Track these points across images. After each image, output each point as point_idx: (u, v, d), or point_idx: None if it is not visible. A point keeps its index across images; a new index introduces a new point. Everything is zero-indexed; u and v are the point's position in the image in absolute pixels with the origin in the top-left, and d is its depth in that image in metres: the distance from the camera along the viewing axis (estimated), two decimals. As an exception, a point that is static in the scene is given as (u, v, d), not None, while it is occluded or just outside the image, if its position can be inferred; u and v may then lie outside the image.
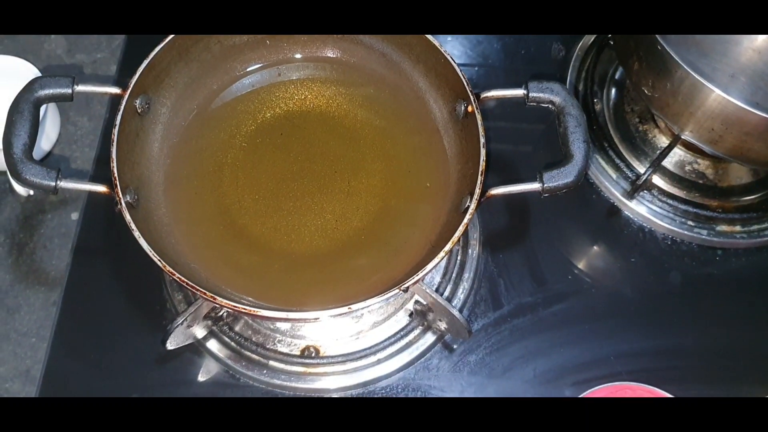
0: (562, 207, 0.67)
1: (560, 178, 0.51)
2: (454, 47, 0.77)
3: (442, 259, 0.49)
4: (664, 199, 0.66)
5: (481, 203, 0.51)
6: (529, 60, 0.76)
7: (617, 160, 0.67)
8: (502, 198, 0.53)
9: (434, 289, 0.63)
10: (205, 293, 0.46)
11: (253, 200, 0.57)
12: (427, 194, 0.58)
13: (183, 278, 0.47)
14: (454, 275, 0.63)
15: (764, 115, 0.51)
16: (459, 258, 0.64)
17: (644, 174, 0.62)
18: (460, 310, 0.62)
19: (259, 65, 0.62)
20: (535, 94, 0.53)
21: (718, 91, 0.51)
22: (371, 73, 0.61)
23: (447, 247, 0.49)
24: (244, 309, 0.46)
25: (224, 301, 0.46)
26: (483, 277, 0.64)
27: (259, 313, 0.46)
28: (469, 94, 0.54)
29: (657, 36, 0.53)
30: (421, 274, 0.48)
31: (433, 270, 0.63)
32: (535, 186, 0.51)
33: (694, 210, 0.66)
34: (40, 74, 0.71)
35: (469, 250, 0.64)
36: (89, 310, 0.62)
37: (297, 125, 0.60)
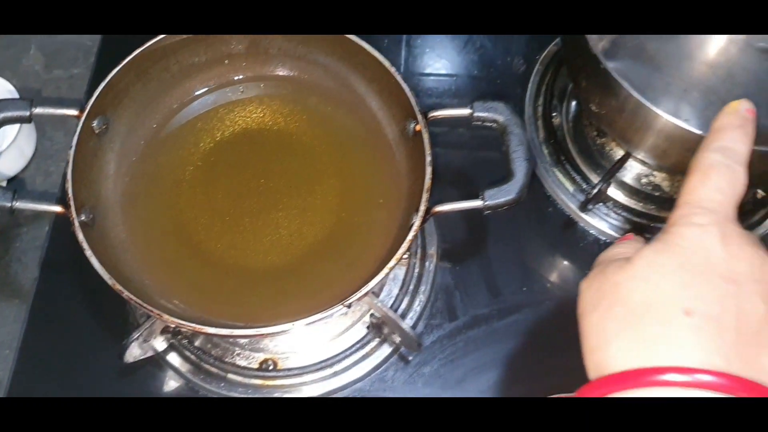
0: (520, 220, 0.68)
1: (501, 195, 0.52)
2: (431, 58, 0.79)
3: (386, 275, 0.51)
4: (619, 211, 0.67)
5: (426, 220, 0.53)
6: (494, 74, 0.78)
7: (574, 174, 0.69)
8: (460, 211, 0.54)
9: (392, 301, 0.64)
10: (152, 310, 0.48)
11: (210, 217, 0.58)
12: (380, 210, 0.59)
13: (131, 296, 0.48)
14: (411, 287, 0.65)
15: (699, 132, 0.52)
16: (417, 270, 0.65)
17: (594, 188, 0.63)
18: (417, 322, 0.64)
19: (218, 84, 0.63)
20: (479, 114, 0.55)
21: (657, 110, 0.52)
22: (328, 92, 0.63)
23: (391, 264, 0.51)
24: (189, 326, 0.47)
25: (170, 318, 0.48)
26: (440, 289, 0.65)
27: (204, 330, 0.48)
28: (417, 113, 0.55)
29: (600, 56, 0.54)
30: (364, 291, 0.50)
31: (391, 282, 0.65)
32: (477, 203, 0.53)
33: (649, 222, 0.67)
34: (15, 91, 0.73)
35: (427, 263, 0.66)
36: (55, 323, 0.64)
37: (255, 142, 0.62)
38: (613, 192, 0.68)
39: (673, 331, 0.32)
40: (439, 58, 0.79)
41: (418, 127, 0.55)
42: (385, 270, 0.51)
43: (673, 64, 0.67)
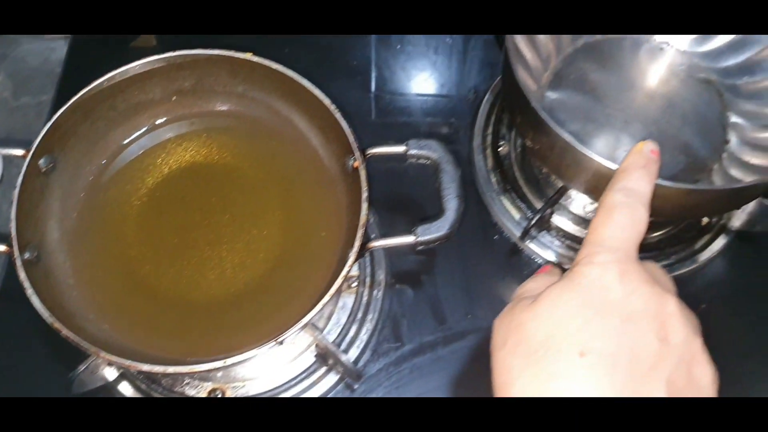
0: (467, 247, 0.70)
1: (433, 231, 0.54)
2: (400, 79, 0.81)
3: (320, 311, 0.52)
4: (562, 239, 0.69)
5: (361, 256, 0.55)
6: (464, 93, 0.79)
7: (520, 202, 0.70)
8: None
9: (339, 329, 0.65)
10: (89, 347, 0.49)
11: (155, 251, 0.60)
12: (322, 244, 0.60)
13: (69, 333, 0.49)
14: (359, 315, 0.66)
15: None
16: (365, 298, 0.67)
17: (533, 218, 0.65)
18: (364, 350, 0.65)
19: (166, 120, 0.65)
20: (413, 151, 0.56)
21: (584, 150, 0.53)
22: (272, 127, 0.64)
23: (324, 300, 0.52)
24: (124, 363, 0.49)
25: (107, 355, 0.49)
26: (387, 317, 0.67)
27: (139, 367, 0.49)
28: (355, 150, 0.57)
29: (528, 95, 0.55)
30: (297, 327, 0.51)
31: (340, 311, 0.67)
32: (409, 239, 0.54)
33: (593, 249, 0.68)
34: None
35: (375, 291, 0.67)
36: (10, 352, 0.65)
37: (201, 177, 0.63)
38: (560, 221, 0.70)
39: (569, 370, 0.34)
40: (408, 80, 0.81)
41: (356, 164, 0.57)
42: (319, 306, 0.52)
43: (614, 96, 0.69)
